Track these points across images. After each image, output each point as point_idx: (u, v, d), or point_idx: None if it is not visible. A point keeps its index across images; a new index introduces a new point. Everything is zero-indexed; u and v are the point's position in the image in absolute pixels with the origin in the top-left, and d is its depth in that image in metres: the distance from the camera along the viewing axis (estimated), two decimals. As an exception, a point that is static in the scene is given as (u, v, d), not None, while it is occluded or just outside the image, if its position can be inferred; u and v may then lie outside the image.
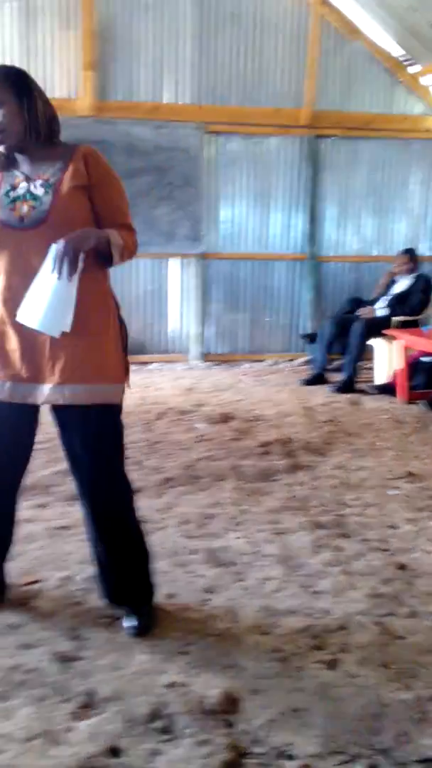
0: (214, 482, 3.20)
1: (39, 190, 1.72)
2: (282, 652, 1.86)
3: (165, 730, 1.54)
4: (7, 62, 5.87)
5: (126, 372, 1.91)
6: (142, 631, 1.89)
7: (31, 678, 1.66)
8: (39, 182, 1.73)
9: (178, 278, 6.56)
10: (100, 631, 1.90)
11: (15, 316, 1.71)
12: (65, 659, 1.75)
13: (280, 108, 6.33)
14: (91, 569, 2.23)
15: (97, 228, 1.75)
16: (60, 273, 1.61)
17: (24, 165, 1.78)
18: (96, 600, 2.05)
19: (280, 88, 6.36)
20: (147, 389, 5.40)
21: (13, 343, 1.75)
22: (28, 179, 1.75)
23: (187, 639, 1.90)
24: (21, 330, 1.73)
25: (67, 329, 1.65)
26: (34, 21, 5.93)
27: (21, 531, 2.19)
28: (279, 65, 6.37)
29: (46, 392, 1.74)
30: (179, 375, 6.07)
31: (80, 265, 1.63)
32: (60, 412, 1.79)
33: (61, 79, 5.97)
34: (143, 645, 1.85)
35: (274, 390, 5.41)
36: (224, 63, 6.31)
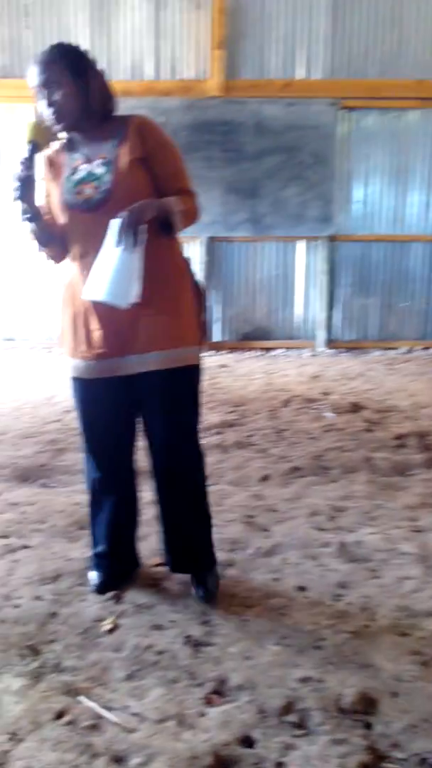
0: (344, 474, 3.07)
1: (100, 169, 1.72)
2: (423, 655, 1.72)
3: (299, 725, 1.48)
4: (137, 44, 6.01)
5: (203, 334, 1.90)
6: (209, 598, 1.92)
7: (163, 659, 1.66)
8: (98, 161, 1.73)
9: (306, 262, 6.39)
10: (230, 618, 1.86)
11: None
12: (196, 644, 1.73)
13: (423, 80, 5.93)
14: (218, 555, 2.21)
15: (158, 197, 1.74)
16: (124, 245, 1.60)
17: (82, 145, 1.77)
18: (225, 585, 2.02)
19: (421, 58, 5.96)
20: (272, 375, 5.33)
21: (95, 323, 1.77)
22: (88, 160, 1.75)
23: (320, 634, 1.81)
24: (101, 309, 1.74)
25: (136, 299, 1.64)
26: (164, 1, 5.98)
27: (148, 513, 2.19)
28: (421, 33, 5.97)
29: (131, 363, 1.78)
30: (305, 362, 5.93)
31: (144, 235, 1.63)
32: (141, 380, 1.80)
33: (190, 59, 5.98)
34: (275, 636, 1.79)
35: (408, 379, 5.13)
36: (360, 34, 6.01)
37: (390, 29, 5.98)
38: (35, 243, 1.78)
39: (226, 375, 5.29)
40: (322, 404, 4.31)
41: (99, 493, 1.96)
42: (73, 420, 3.80)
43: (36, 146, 1.65)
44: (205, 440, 3.47)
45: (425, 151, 6.18)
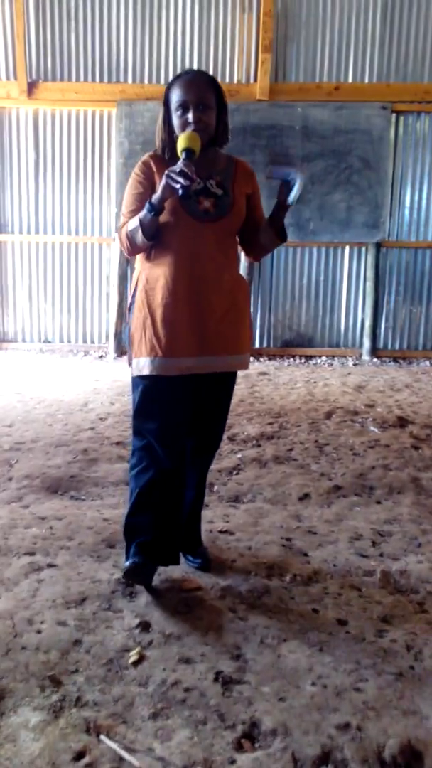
0: (389, 495, 2.91)
1: (217, 190, 1.97)
2: (473, 704, 1.56)
3: (337, 779, 1.35)
4: (182, 47, 5.95)
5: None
6: (206, 566, 2.16)
7: (191, 697, 1.55)
8: (212, 182, 1.97)
9: (352, 268, 6.22)
10: (264, 652, 1.74)
11: (192, 293, 1.92)
12: (227, 681, 1.61)
13: None
14: (254, 581, 2.10)
15: (246, 227, 2.08)
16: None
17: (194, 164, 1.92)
18: (259, 616, 1.90)
19: None
20: (314, 385, 5.17)
21: (183, 318, 1.93)
22: (200, 177, 1.93)
23: (361, 674, 1.67)
24: (192, 305, 1.93)
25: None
26: (212, 3, 5.92)
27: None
28: None
29: (212, 362, 1.98)
30: (349, 371, 5.76)
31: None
32: (207, 377, 2.01)
33: (236, 62, 5.91)
34: (312, 675, 1.66)
35: (457, 392, 4.90)
36: (412, 37, 5.84)
37: (444, 30, 5.77)
38: (141, 234, 1.90)
39: (265, 383, 5.17)
40: (366, 417, 4.15)
41: (165, 479, 1.99)
42: (107, 428, 3.78)
43: (192, 153, 1.83)
44: (243, 453, 3.36)
45: None
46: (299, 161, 1.63)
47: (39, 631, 1.75)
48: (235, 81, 5.84)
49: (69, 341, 6.54)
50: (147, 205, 1.86)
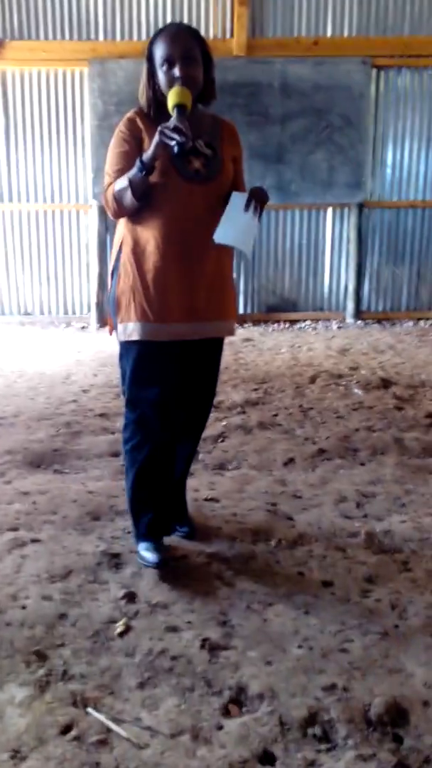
0: (373, 456, 2.92)
1: (206, 150, 1.89)
2: (457, 659, 1.59)
3: (323, 739, 1.37)
4: (159, 1, 5.73)
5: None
6: (192, 534, 2.16)
7: (178, 665, 1.55)
8: (200, 142, 1.87)
9: (335, 230, 6.14)
10: (251, 617, 1.75)
11: (183, 257, 1.87)
12: (214, 647, 1.62)
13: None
14: (239, 547, 2.10)
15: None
16: (252, 213, 1.84)
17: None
18: (245, 581, 1.91)
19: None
20: (299, 349, 5.15)
21: (174, 283, 1.88)
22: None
23: (347, 635, 1.69)
24: (180, 275, 1.88)
25: (250, 253, 1.94)
26: None
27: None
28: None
29: (202, 328, 1.94)
30: (333, 334, 5.74)
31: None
32: (195, 344, 1.97)
33: (212, 17, 5.70)
34: (298, 638, 1.67)
35: (440, 352, 4.91)
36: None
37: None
38: (130, 195, 1.81)
39: (250, 349, 5.13)
40: (350, 380, 4.14)
41: (161, 453, 1.97)
42: (90, 400, 3.74)
43: (184, 109, 1.75)
44: (228, 420, 3.34)
45: (461, 111, 5.84)
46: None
47: (24, 607, 1.74)
48: (211, 36, 5.65)
49: (50, 313, 6.43)
50: (138, 164, 1.77)
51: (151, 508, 1.99)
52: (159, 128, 1.72)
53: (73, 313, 6.44)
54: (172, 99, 1.75)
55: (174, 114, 1.74)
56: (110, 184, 1.87)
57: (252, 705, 1.46)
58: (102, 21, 5.86)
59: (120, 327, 1.92)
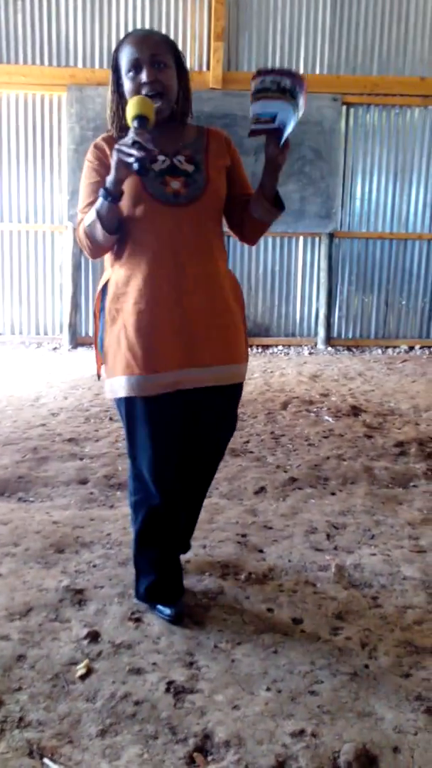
0: (343, 485, 2.90)
1: (187, 167, 1.68)
2: (425, 701, 1.56)
3: (290, 790, 1.31)
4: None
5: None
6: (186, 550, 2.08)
7: (142, 711, 1.48)
8: (181, 158, 1.68)
9: (306, 258, 6.22)
10: (218, 658, 1.69)
11: (172, 293, 1.65)
12: (179, 691, 1.56)
13: (425, 77, 5.75)
14: (208, 581, 2.05)
15: (230, 203, 1.80)
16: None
17: (154, 138, 1.57)
18: (213, 619, 1.85)
19: (424, 55, 5.78)
20: (271, 374, 5.15)
21: (163, 325, 1.66)
22: (165, 153, 1.67)
23: (316, 676, 1.64)
24: (173, 308, 1.66)
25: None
26: (163, -11, 5.78)
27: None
28: (423, 30, 5.80)
29: (200, 375, 1.71)
30: (305, 359, 5.76)
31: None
32: (198, 393, 1.74)
33: (191, 50, 5.80)
34: (266, 679, 1.62)
35: (408, 380, 4.96)
36: (363, 29, 5.83)
37: (392, 25, 5.79)
38: (100, 228, 1.59)
39: (222, 375, 5.11)
40: (321, 407, 4.14)
41: (159, 520, 1.80)
42: (59, 424, 3.66)
43: (145, 120, 1.51)
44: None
45: (427, 149, 6.02)
46: (294, 69, 1.36)
47: (-21, 648, 1.66)
48: (189, 68, 5.72)
49: (21, 333, 6.33)
50: (101, 191, 1.55)
51: (154, 571, 1.85)
52: (115, 146, 1.50)
53: (45, 333, 6.36)
54: (131, 110, 1.51)
55: (132, 127, 1.50)
56: (81, 221, 1.67)
57: (218, 753, 1.40)
58: (81, 48, 5.90)
59: (107, 383, 1.73)
